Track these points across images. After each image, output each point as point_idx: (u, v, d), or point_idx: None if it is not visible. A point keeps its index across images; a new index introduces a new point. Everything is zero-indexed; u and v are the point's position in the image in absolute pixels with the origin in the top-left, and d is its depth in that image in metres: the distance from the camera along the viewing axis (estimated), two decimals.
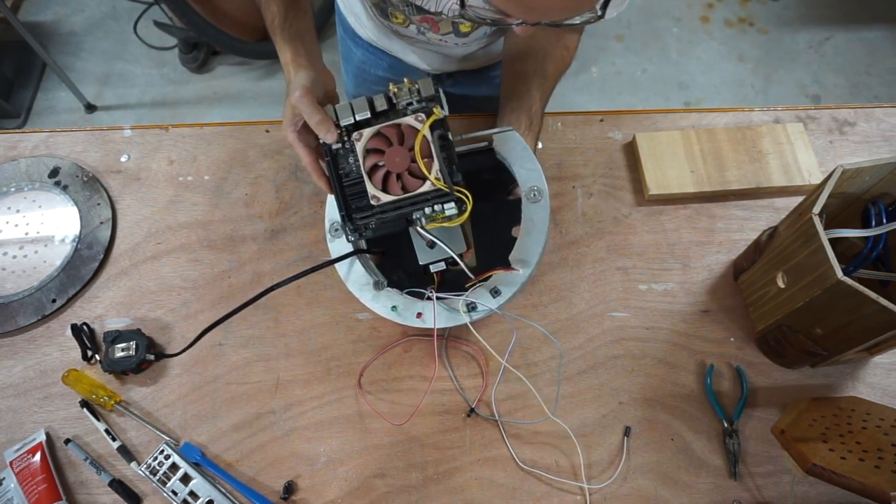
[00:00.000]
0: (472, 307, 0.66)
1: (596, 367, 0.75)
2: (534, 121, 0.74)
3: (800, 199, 0.70)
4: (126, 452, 0.70)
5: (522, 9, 0.50)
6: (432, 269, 0.68)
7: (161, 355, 0.75)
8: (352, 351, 0.76)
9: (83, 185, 0.86)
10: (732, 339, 0.76)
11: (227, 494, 0.68)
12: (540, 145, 0.76)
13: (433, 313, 0.65)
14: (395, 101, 0.63)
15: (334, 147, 0.63)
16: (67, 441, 0.71)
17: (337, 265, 0.69)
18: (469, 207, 0.61)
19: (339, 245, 0.70)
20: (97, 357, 0.75)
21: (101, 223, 0.84)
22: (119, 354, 0.73)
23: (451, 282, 0.69)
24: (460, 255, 0.67)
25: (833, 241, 0.60)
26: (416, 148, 0.60)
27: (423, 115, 0.61)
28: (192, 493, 0.68)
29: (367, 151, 0.62)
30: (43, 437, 0.71)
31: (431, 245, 0.66)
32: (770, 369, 0.75)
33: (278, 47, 0.68)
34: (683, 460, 0.70)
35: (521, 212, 0.68)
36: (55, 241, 0.83)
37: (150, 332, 0.76)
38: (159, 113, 2.09)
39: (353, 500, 0.69)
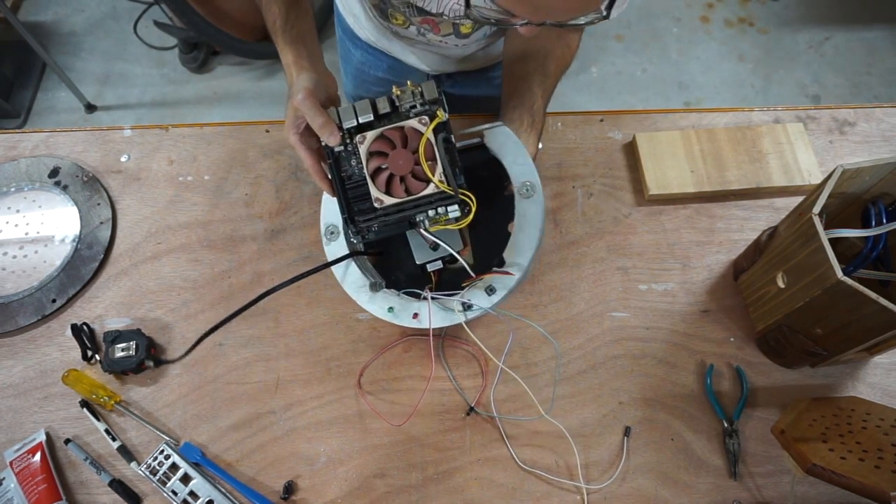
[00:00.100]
0: (467, 307, 0.66)
1: (596, 367, 0.75)
2: (535, 119, 0.74)
3: (800, 199, 0.70)
4: (126, 452, 0.70)
5: (529, 9, 0.50)
6: (429, 268, 0.68)
7: (160, 361, 0.75)
8: (351, 351, 0.76)
9: (83, 185, 0.86)
10: (732, 339, 0.76)
11: (227, 494, 0.68)
12: (540, 145, 0.76)
13: (429, 313, 0.65)
14: (397, 103, 0.62)
15: (336, 149, 0.63)
16: (67, 441, 0.71)
17: (333, 267, 0.69)
18: (474, 210, 0.61)
19: (335, 248, 0.70)
20: (97, 357, 0.75)
21: (101, 223, 0.84)
22: (119, 354, 0.73)
23: (448, 282, 0.69)
24: (458, 254, 0.67)
25: (833, 241, 0.60)
26: (421, 151, 0.60)
27: (426, 118, 0.61)
28: (192, 493, 0.68)
29: (371, 154, 0.62)
30: (43, 437, 0.71)
31: (435, 247, 0.66)
32: (770, 369, 0.75)
33: (280, 49, 0.68)
34: (683, 460, 0.70)
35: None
36: (55, 241, 0.83)
37: (150, 332, 0.76)
38: (159, 113, 2.09)
39: (353, 500, 0.69)
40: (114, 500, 0.69)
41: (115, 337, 0.74)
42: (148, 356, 0.74)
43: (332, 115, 0.62)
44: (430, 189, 0.61)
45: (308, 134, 0.63)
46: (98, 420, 0.72)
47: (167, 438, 0.71)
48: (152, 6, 2.15)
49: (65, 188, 0.86)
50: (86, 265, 0.81)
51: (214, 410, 0.73)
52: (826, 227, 0.61)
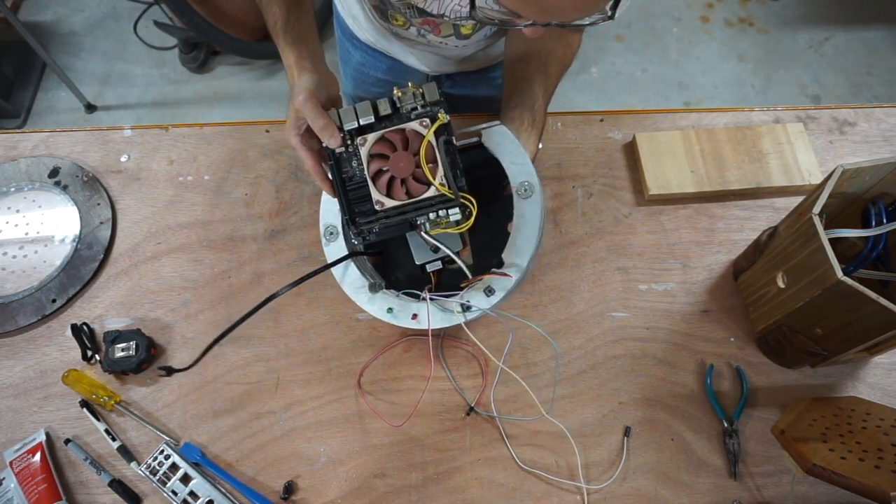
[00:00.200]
0: (466, 307, 0.66)
1: (596, 367, 0.75)
2: (536, 118, 0.74)
3: (800, 199, 0.70)
4: (126, 452, 0.70)
5: (535, 10, 0.49)
6: (429, 268, 0.68)
7: (171, 370, 0.74)
8: (351, 351, 0.76)
9: (83, 185, 0.86)
10: (732, 339, 0.76)
11: (227, 494, 0.68)
12: (541, 145, 0.76)
13: (427, 314, 0.65)
14: (398, 105, 0.62)
15: (337, 151, 0.63)
16: (67, 441, 0.71)
17: (332, 269, 0.69)
18: (474, 214, 0.61)
19: (335, 249, 0.70)
20: (97, 357, 0.75)
21: (101, 223, 0.84)
22: (119, 354, 0.73)
23: (447, 283, 0.69)
24: (457, 254, 0.67)
25: (833, 241, 0.60)
26: (422, 154, 0.60)
27: (427, 121, 0.61)
28: (192, 493, 0.68)
29: (372, 156, 0.62)
30: (43, 437, 0.71)
31: (435, 249, 0.66)
32: (770, 369, 0.75)
33: (281, 50, 0.67)
34: (683, 460, 0.70)
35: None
36: (55, 241, 0.83)
37: (150, 332, 0.76)
38: (159, 113, 2.09)
39: (353, 500, 0.69)
40: (114, 500, 0.69)
41: (115, 337, 0.74)
42: (148, 356, 0.74)
43: (333, 117, 0.61)
44: (431, 192, 0.61)
45: (309, 135, 0.63)
46: (98, 420, 0.72)
47: (167, 438, 0.71)
48: (152, 6, 2.15)
49: (65, 188, 0.86)
50: (86, 265, 0.81)
51: (214, 410, 0.73)
52: (826, 227, 0.61)
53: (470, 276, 0.65)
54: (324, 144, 0.63)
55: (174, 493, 0.67)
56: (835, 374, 0.75)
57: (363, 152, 0.62)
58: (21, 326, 0.77)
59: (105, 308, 0.79)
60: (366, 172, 0.62)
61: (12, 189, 0.86)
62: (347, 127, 0.62)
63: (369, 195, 0.62)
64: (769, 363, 0.75)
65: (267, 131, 0.91)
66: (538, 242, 0.67)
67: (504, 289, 0.65)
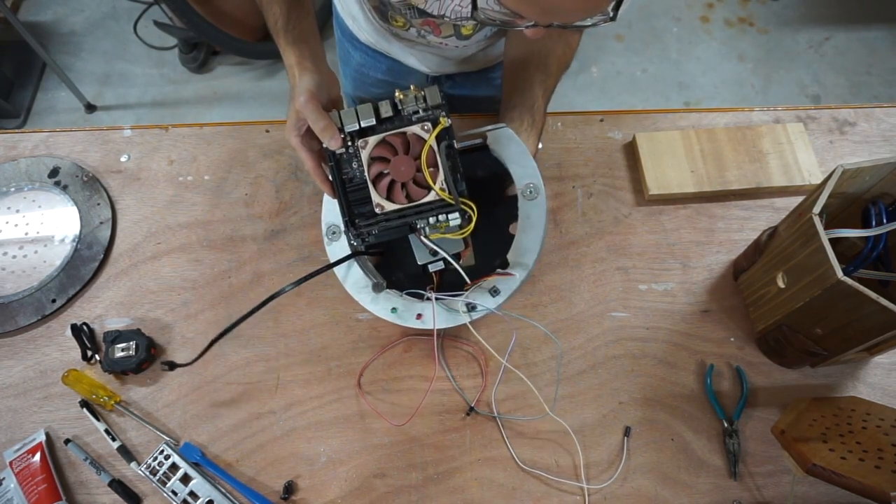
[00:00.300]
0: (471, 307, 0.66)
1: (596, 367, 0.75)
2: (536, 118, 0.74)
3: (800, 199, 0.70)
4: (126, 452, 0.70)
5: (538, 11, 0.49)
6: (431, 268, 0.68)
7: (174, 365, 0.74)
8: (351, 351, 0.76)
9: (83, 185, 0.86)
10: (732, 339, 0.76)
11: (227, 494, 0.68)
12: (540, 145, 0.76)
13: (433, 314, 0.65)
14: (400, 107, 0.62)
15: (338, 152, 0.63)
16: (67, 441, 0.71)
17: (335, 268, 0.69)
18: (474, 220, 0.61)
19: (337, 248, 0.70)
20: (97, 357, 0.75)
21: (101, 223, 0.84)
22: (119, 354, 0.73)
23: (451, 282, 0.69)
24: (458, 254, 0.67)
25: (833, 241, 0.60)
26: (423, 159, 0.60)
27: (429, 125, 0.61)
28: (192, 493, 0.68)
29: (372, 159, 0.62)
30: (43, 437, 0.71)
31: (434, 254, 0.66)
32: (770, 369, 0.75)
33: (282, 49, 0.67)
34: (683, 460, 0.70)
35: (517, 209, 0.68)
36: (55, 241, 0.83)
37: (150, 332, 0.76)
38: (159, 113, 2.09)
39: (353, 500, 0.69)
40: (114, 500, 0.69)
41: (115, 337, 0.74)
42: (148, 356, 0.74)
43: (334, 118, 0.61)
44: (431, 196, 0.61)
45: (309, 136, 0.63)
46: (98, 420, 0.72)
47: (167, 438, 0.71)
48: (152, 6, 2.15)
49: (65, 188, 0.86)
50: (86, 265, 0.81)
51: (214, 410, 0.73)
52: (826, 227, 0.61)
53: (469, 282, 0.65)
54: (324, 145, 0.63)
55: (174, 493, 0.67)
56: (835, 374, 0.75)
57: (364, 155, 0.62)
58: (21, 326, 0.77)
59: (105, 308, 0.79)
60: (366, 175, 0.62)
61: (12, 189, 0.86)
62: (348, 129, 0.62)
63: (369, 197, 0.62)
64: (769, 363, 0.75)
65: (267, 131, 0.91)
66: (542, 245, 0.67)
67: (510, 289, 0.65)
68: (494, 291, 0.66)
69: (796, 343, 0.69)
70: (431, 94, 0.61)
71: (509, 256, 0.67)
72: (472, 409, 0.72)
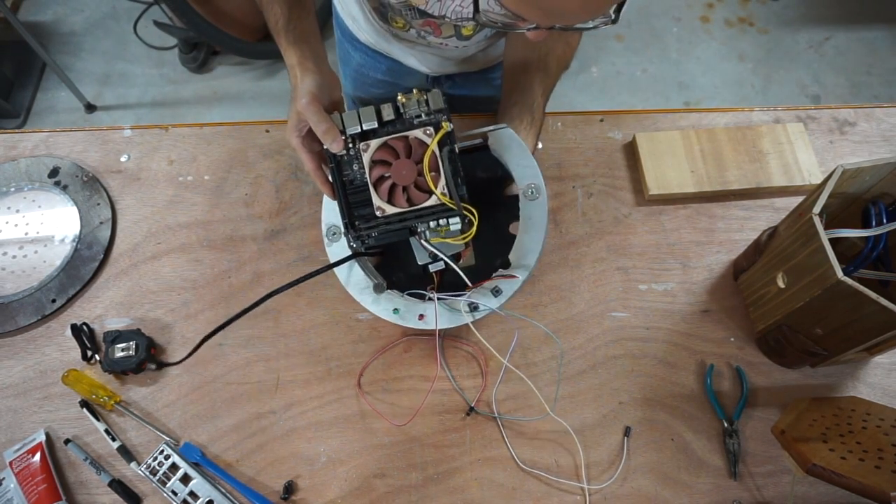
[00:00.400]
0: (473, 307, 0.66)
1: (596, 367, 0.75)
2: (535, 116, 0.74)
3: (800, 199, 0.70)
4: (126, 452, 0.70)
5: (540, 13, 0.49)
6: (431, 268, 0.68)
7: (162, 363, 0.74)
8: (352, 351, 0.76)
9: (83, 185, 0.86)
10: (732, 339, 0.76)
11: (227, 494, 0.68)
12: (540, 145, 0.76)
13: (435, 315, 0.65)
14: (402, 111, 0.62)
15: (339, 154, 0.63)
16: (67, 441, 0.71)
17: (336, 269, 0.69)
18: (475, 224, 0.61)
19: (337, 249, 0.70)
20: (97, 357, 0.75)
21: (101, 223, 0.84)
22: (119, 354, 0.73)
23: (452, 282, 0.69)
24: (458, 255, 0.67)
25: (833, 241, 0.60)
26: (425, 163, 0.60)
27: (431, 129, 0.61)
28: (191, 494, 0.68)
29: (374, 162, 0.62)
30: (43, 437, 0.71)
31: (434, 257, 0.66)
32: (770, 369, 0.75)
33: (283, 49, 0.67)
34: (683, 460, 0.70)
35: (518, 209, 0.68)
36: (55, 241, 0.83)
37: (150, 332, 0.76)
38: (159, 113, 2.09)
39: (353, 500, 0.69)
40: (114, 500, 0.69)
41: (115, 337, 0.74)
42: (148, 356, 0.73)
43: (336, 121, 0.61)
44: (433, 201, 0.61)
45: (310, 137, 0.63)
46: (98, 420, 0.72)
47: (167, 438, 0.71)
48: (152, 6, 2.15)
49: (65, 188, 0.86)
50: (86, 265, 0.81)
51: (214, 410, 0.73)
52: (826, 227, 0.61)
53: (470, 284, 0.65)
54: (325, 147, 0.63)
55: (174, 493, 0.67)
56: (835, 374, 0.75)
57: (365, 158, 0.62)
58: (21, 326, 0.77)
59: (105, 308, 0.79)
60: (367, 178, 0.62)
61: (12, 189, 0.86)
62: (350, 131, 0.62)
63: (369, 199, 0.62)
64: (769, 363, 0.75)
65: (267, 131, 0.91)
66: (544, 245, 0.67)
67: (511, 289, 0.66)
68: (496, 291, 0.66)
69: (796, 343, 0.69)
70: (434, 98, 0.61)
71: (511, 257, 0.67)
72: (472, 409, 0.72)
